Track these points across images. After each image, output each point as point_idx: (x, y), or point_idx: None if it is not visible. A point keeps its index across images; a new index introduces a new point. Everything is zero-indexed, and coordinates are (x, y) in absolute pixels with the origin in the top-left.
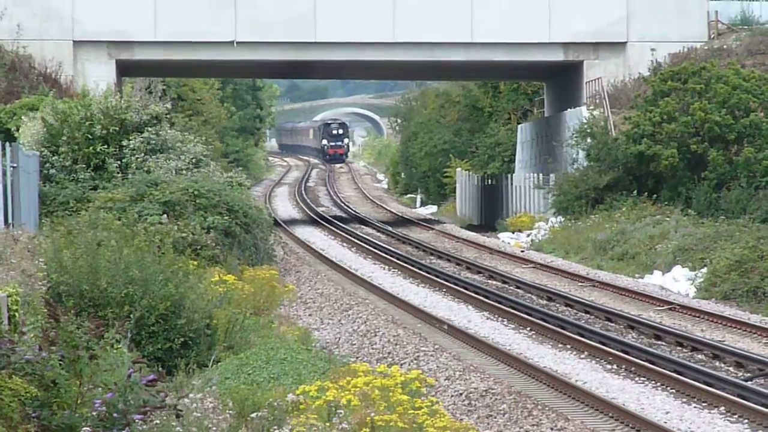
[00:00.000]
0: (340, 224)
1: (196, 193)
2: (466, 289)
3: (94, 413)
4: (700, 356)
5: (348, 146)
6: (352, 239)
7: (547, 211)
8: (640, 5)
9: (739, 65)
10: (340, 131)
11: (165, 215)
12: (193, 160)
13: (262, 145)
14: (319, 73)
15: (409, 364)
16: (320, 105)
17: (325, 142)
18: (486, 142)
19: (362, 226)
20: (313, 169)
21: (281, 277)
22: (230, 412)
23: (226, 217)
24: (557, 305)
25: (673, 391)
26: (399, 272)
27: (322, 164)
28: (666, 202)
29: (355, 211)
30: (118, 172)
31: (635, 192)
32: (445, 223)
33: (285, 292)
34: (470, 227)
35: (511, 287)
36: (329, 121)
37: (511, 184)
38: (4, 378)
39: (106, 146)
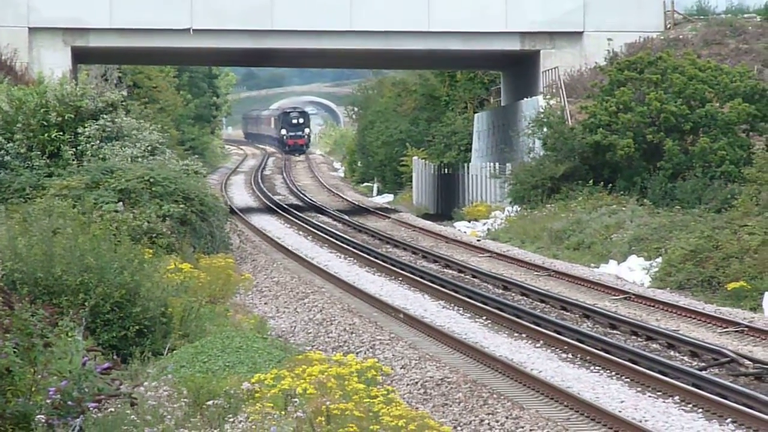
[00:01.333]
0: (297, 213)
1: (151, 180)
2: (422, 278)
3: (48, 401)
4: (655, 345)
5: (309, 136)
6: (309, 228)
7: (504, 200)
8: None
9: (695, 55)
10: (301, 120)
11: (121, 203)
12: (149, 148)
13: (219, 133)
14: (275, 61)
15: (365, 353)
16: (277, 93)
17: (284, 131)
18: (442, 131)
19: (318, 215)
20: (269, 157)
21: (237, 266)
22: (185, 400)
23: (182, 205)
24: (513, 294)
25: (628, 380)
26: (355, 261)
27: (279, 153)
28: (622, 192)
29: (311, 199)
30: (73, 160)
31: (591, 182)
32: (401, 211)
33: (241, 280)
34: (426, 216)
35: (467, 276)
36: (289, 110)
37: (468, 173)
38: None
39: (61, 133)
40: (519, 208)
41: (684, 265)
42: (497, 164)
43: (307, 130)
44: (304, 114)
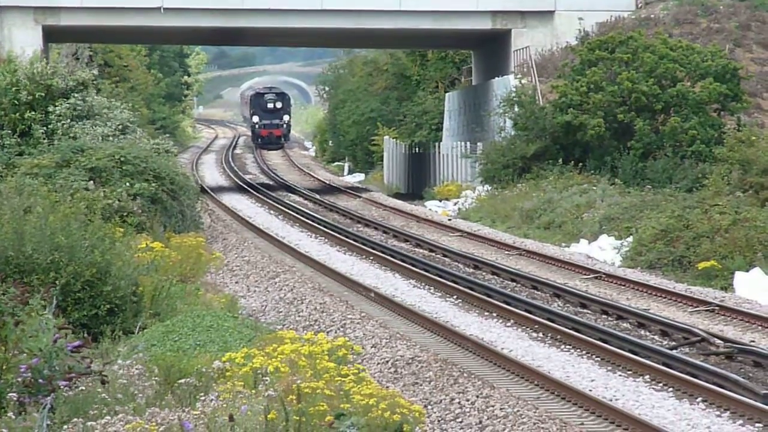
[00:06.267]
0: (268, 192)
1: (122, 159)
2: (392, 257)
3: (19, 379)
4: (625, 325)
5: (288, 125)
6: (279, 207)
7: (474, 179)
8: None
9: (666, 35)
10: (278, 104)
11: (91, 182)
12: (120, 127)
13: (190, 113)
14: (246, 40)
15: (336, 332)
16: (248, 72)
17: (256, 118)
18: (413, 111)
19: (289, 194)
20: (240, 136)
21: (208, 245)
22: (156, 378)
23: (152, 184)
24: (484, 273)
25: (599, 359)
26: (326, 240)
27: (249, 127)
28: (592, 172)
29: (282, 178)
30: (44, 138)
31: (562, 161)
32: (372, 191)
33: (211, 259)
34: (397, 195)
35: (438, 255)
36: (262, 90)
37: (439, 152)
38: None
39: (32, 112)
40: (490, 188)
41: (655, 245)
42: (468, 144)
43: (286, 117)
44: (282, 96)
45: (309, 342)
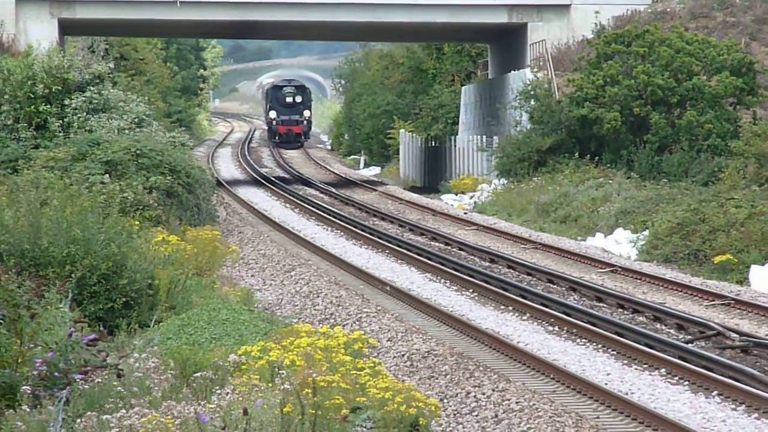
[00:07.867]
0: (283, 185)
1: (138, 152)
2: (408, 250)
3: (34, 372)
4: (641, 318)
5: (309, 122)
6: (295, 200)
7: (490, 173)
8: None
9: (682, 28)
10: (297, 99)
11: (107, 175)
12: (136, 120)
13: (206, 106)
14: (263, 33)
15: (352, 325)
16: (264, 66)
17: (273, 114)
18: (429, 104)
19: (305, 187)
20: (256, 130)
21: (224, 238)
22: (172, 372)
23: (168, 177)
24: (499, 267)
25: (614, 353)
26: (342, 233)
27: (266, 124)
28: (608, 165)
29: (298, 172)
30: (60, 132)
31: (578, 155)
32: (388, 184)
33: (227, 252)
34: (413, 189)
35: (454, 249)
36: (281, 84)
37: (455, 146)
38: None
39: (48, 105)
40: (506, 181)
41: (670, 238)
42: (484, 137)
43: (306, 113)
44: (301, 90)
45: (325, 335)
